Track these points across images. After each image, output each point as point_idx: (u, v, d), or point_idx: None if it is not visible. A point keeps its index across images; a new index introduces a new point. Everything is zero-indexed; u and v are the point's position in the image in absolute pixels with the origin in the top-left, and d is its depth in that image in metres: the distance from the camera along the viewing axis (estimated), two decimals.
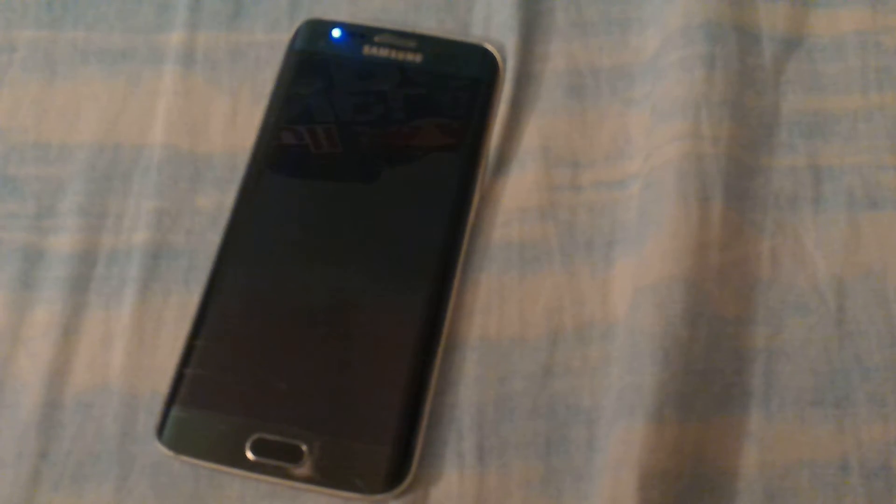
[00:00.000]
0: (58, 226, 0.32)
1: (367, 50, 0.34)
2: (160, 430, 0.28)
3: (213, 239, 0.31)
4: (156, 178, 0.32)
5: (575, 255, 0.31)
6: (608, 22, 0.35)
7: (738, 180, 0.31)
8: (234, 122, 0.33)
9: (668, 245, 0.29)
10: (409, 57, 0.33)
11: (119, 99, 0.34)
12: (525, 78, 0.34)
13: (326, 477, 0.27)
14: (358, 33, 0.34)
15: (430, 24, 0.35)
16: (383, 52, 0.34)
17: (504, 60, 0.34)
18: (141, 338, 0.30)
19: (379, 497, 0.27)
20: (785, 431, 0.28)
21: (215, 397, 0.28)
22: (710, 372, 0.28)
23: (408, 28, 0.34)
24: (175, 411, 0.28)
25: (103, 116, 0.34)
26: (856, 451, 0.28)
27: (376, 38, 0.34)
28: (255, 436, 0.27)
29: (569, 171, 0.33)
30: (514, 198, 0.32)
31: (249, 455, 0.27)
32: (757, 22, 0.34)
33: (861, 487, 0.27)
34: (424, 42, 0.34)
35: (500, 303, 0.30)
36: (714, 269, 0.29)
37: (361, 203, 0.31)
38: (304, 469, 0.27)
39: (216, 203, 0.32)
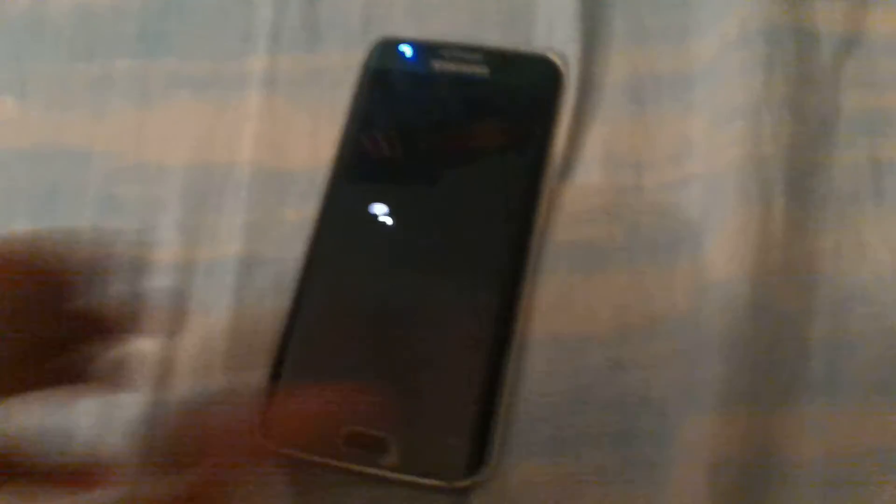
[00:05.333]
0: (159, 240, 0.35)
1: (436, 65, 0.36)
2: (261, 427, 0.30)
3: (299, 248, 0.33)
4: (245, 194, 0.35)
5: (640, 255, 0.32)
6: (667, 28, 0.36)
7: (799, 179, 0.32)
8: (315, 139, 0.36)
9: (731, 244, 0.30)
10: (476, 69, 0.35)
11: (209, 122, 0.37)
12: (588, 86, 0.35)
13: (411, 466, 0.29)
14: (427, 49, 0.36)
15: (495, 37, 0.37)
16: (451, 67, 0.35)
17: (567, 69, 0.35)
18: (237, 341, 0.32)
19: (459, 484, 0.29)
20: (850, 420, 0.29)
21: (309, 395, 0.30)
22: (775, 364, 0.29)
23: (473, 42, 0.36)
24: (274, 409, 0.30)
25: (195, 139, 0.37)
26: None
27: (444, 53, 0.36)
28: (348, 429, 0.29)
29: (632, 173, 0.34)
30: (580, 201, 0.34)
31: (343, 447, 0.29)
32: (815, 22, 0.35)
33: None
34: (489, 55, 0.35)
35: (569, 301, 0.32)
36: (777, 266, 0.30)
37: (434, 209, 0.33)
38: (390, 459, 0.29)
39: (301, 215, 0.34)
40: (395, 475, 0.29)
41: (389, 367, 0.31)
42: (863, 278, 0.31)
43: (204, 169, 0.36)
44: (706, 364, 0.29)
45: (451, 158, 0.34)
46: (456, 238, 0.33)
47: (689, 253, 0.32)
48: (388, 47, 0.37)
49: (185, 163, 0.36)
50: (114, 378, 0.26)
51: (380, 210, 0.34)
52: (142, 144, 0.37)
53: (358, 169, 0.35)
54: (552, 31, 0.37)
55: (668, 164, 0.34)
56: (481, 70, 0.35)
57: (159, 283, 0.34)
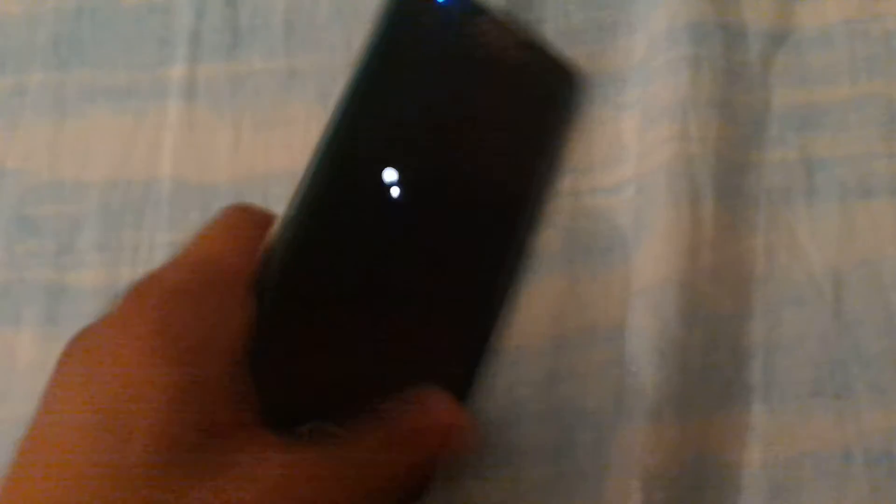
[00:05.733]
0: (78, 262, 0.33)
1: (468, 30, 0.27)
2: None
3: None
4: (167, 210, 0.34)
5: (575, 261, 0.32)
6: (597, 28, 0.35)
7: (728, 178, 0.32)
8: (238, 151, 0.35)
9: (661, 248, 0.30)
10: (510, 51, 0.28)
11: (127, 135, 0.35)
12: None
13: None
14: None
15: None
16: (485, 37, 0.27)
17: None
18: None
19: None
20: (787, 424, 0.29)
21: None
22: (708, 370, 0.29)
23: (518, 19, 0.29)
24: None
25: (113, 153, 0.35)
26: (857, 440, 0.28)
27: (482, 19, 0.27)
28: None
29: (568, 178, 0.33)
30: None
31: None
32: (742, 18, 0.34)
33: (864, 476, 0.28)
34: (528, 42, 0.28)
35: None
36: (708, 269, 0.30)
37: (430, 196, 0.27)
38: None
39: None
40: None
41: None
42: (796, 279, 0.31)
43: (123, 185, 0.35)
44: (637, 372, 0.29)
45: (456, 146, 0.27)
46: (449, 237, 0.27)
47: (623, 259, 0.31)
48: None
49: (102, 179, 0.35)
50: None
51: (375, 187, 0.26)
52: (56, 161, 0.35)
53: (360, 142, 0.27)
54: None
55: (602, 168, 0.33)
56: (514, 53, 0.28)
57: (79, 307, 0.33)
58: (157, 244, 0.33)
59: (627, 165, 0.33)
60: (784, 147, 0.33)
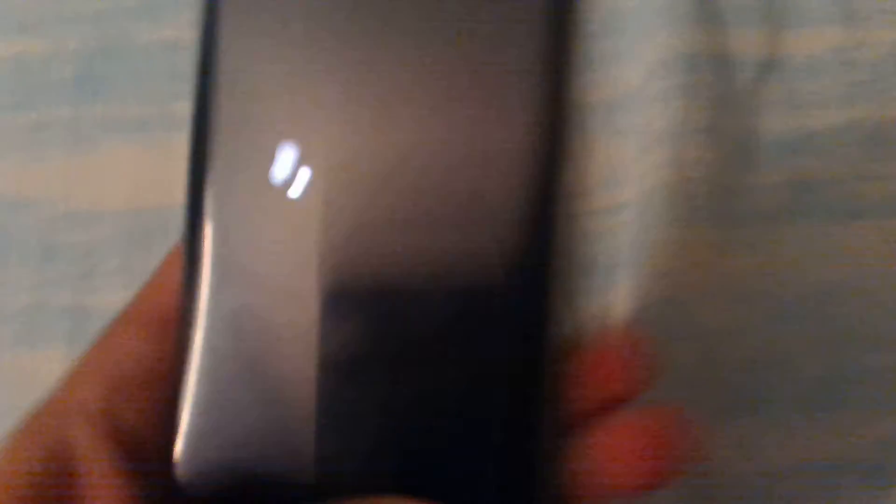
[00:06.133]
0: (100, 286, 0.35)
1: None
2: None
3: None
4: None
5: (574, 284, 0.33)
6: (591, 59, 0.37)
7: (722, 201, 0.33)
8: None
9: (654, 270, 0.31)
10: None
11: (145, 165, 0.37)
12: None
13: None
14: None
15: None
16: None
17: None
18: None
19: None
20: (778, 438, 0.30)
21: None
22: (702, 385, 0.30)
23: None
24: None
25: (132, 183, 0.37)
26: (851, 453, 0.29)
27: None
28: None
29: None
30: None
31: None
32: (732, 49, 0.36)
33: (857, 488, 0.29)
34: None
35: None
36: (702, 287, 0.31)
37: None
38: None
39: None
40: None
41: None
42: (787, 296, 0.32)
43: (143, 213, 0.36)
44: None
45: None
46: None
47: (620, 281, 0.32)
48: None
49: (122, 208, 0.36)
50: None
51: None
52: (74, 192, 0.37)
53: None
54: None
55: (598, 191, 0.35)
56: None
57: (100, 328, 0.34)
58: None
59: (624, 189, 0.34)
60: (774, 171, 0.34)
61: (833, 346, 0.31)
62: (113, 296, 0.34)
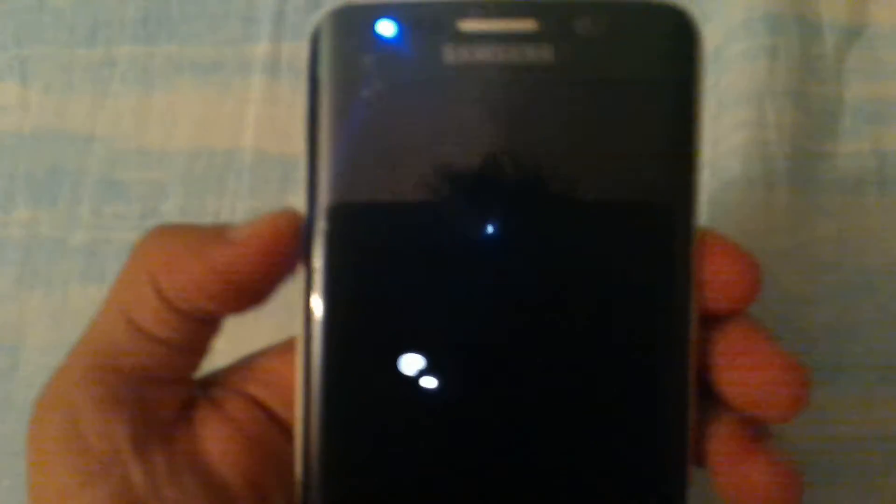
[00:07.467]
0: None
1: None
2: None
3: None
4: (248, 179, 0.35)
5: None
6: None
7: (802, 166, 0.32)
8: None
9: (735, 230, 0.30)
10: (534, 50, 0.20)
11: (211, 107, 0.37)
12: None
13: None
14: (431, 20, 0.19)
15: None
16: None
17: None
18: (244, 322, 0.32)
19: None
20: (852, 408, 0.29)
21: None
22: None
23: None
24: None
25: (197, 124, 0.36)
26: None
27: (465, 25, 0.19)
28: None
29: None
30: None
31: None
32: (818, 12, 0.35)
33: None
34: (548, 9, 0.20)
35: None
36: (781, 252, 0.30)
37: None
38: None
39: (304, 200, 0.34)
40: None
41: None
42: (866, 266, 0.31)
43: (206, 154, 0.36)
44: None
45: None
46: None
47: None
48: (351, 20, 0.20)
49: (186, 148, 0.36)
50: None
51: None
52: (143, 129, 0.37)
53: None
54: None
55: None
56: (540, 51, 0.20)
57: None
58: (238, 210, 0.35)
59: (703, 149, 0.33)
60: (857, 139, 0.33)
61: None
62: None
